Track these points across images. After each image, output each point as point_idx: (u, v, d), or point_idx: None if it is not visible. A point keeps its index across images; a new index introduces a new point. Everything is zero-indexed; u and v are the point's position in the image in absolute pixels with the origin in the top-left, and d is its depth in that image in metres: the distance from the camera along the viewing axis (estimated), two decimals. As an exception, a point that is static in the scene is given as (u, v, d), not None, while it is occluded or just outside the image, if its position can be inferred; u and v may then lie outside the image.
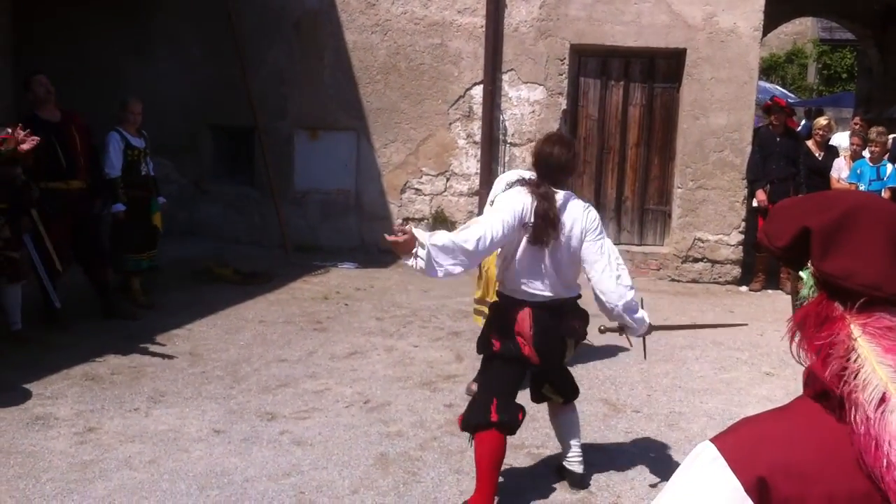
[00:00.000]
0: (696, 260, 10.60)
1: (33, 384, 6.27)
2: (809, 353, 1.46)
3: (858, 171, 10.18)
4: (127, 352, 7.11)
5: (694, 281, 10.57)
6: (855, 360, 1.39)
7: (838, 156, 10.85)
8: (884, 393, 1.36)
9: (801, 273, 1.53)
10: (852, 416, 1.38)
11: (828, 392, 1.42)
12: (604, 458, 5.43)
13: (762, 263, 10.43)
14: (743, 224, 10.53)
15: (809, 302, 1.50)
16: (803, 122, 18.49)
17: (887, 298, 1.40)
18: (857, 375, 1.39)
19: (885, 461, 1.33)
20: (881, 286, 1.40)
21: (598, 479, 5.14)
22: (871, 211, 1.47)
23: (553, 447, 5.56)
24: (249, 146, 11.40)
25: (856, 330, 1.41)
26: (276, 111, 11.23)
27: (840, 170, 10.55)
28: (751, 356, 7.68)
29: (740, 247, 10.55)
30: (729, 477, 1.41)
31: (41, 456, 5.16)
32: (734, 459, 1.42)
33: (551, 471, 5.23)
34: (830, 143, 11.13)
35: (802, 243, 1.49)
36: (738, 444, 1.45)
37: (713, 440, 1.48)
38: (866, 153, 10.35)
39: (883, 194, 9.80)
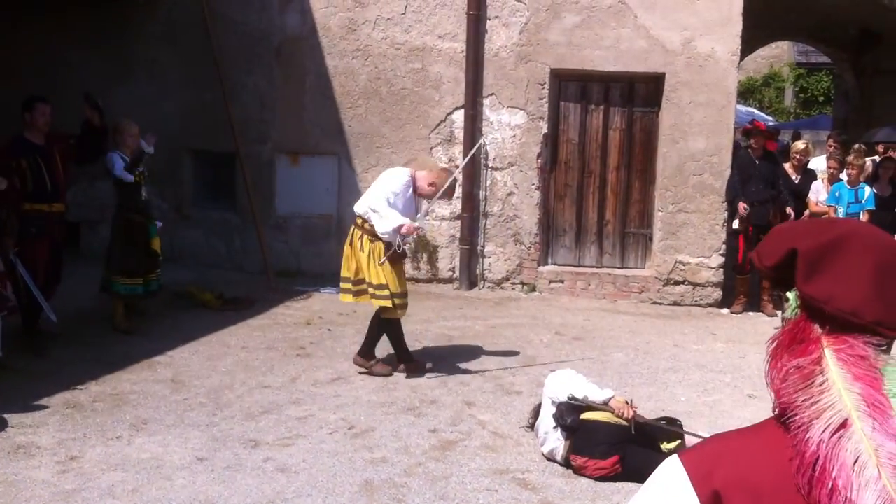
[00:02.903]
0: (677, 283, 10.66)
1: (14, 413, 6.20)
2: (777, 371, 1.47)
3: (837, 194, 10.27)
4: (108, 379, 7.07)
5: (675, 304, 10.61)
6: (821, 384, 1.40)
7: (815, 178, 10.95)
8: (845, 420, 1.36)
9: (788, 294, 1.54)
10: (803, 437, 1.38)
11: (786, 411, 1.44)
12: (588, 482, 5.43)
13: (743, 286, 10.49)
14: (723, 247, 10.60)
15: (788, 322, 1.51)
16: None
17: (864, 326, 1.41)
18: (819, 398, 1.39)
19: (829, 485, 1.34)
20: (859, 313, 1.41)
21: (582, 502, 5.15)
22: (862, 239, 1.47)
23: (538, 470, 5.56)
24: (230, 171, 11.39)
25: (829, 354, 1.42)
26: (257, 136, 11.24)
27: (818, 192, 10.65)
28: (733, 379, 7.71)
29: (721, 269, 10.62)
30: (688, 489, 1.44)
31: (23, 485, 5.11)
32: (694, 473, 1.45)
33: (537, 494, 5.22)
34: (808, 165, 11.24)
35: (790, 264, 1.49)
36: (699, 458, 1.49)
37: (679, 454, 1.52)
38: (843, 176, 10.46)
39: (861, 217, 9.91)
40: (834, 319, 1.43)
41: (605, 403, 5.76)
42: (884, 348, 1.44)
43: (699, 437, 5.72)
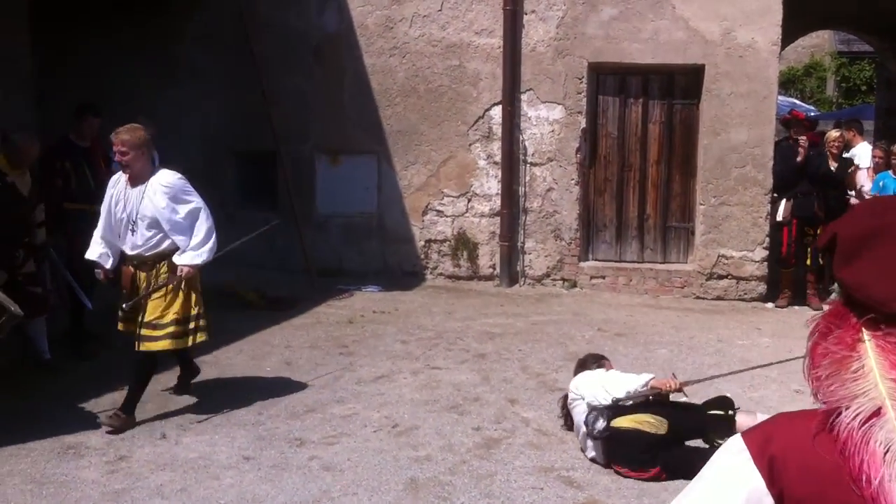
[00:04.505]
0: (720, 277, 10.55)
1: (64, 413, 6.31)
2: (814, 358, 1.43)
3: (881, 184, 10.12)
4: (155, 379, 7.13)
5: (719, 298, 10.50)
6: (855, 371, 1.37)
7: (852, 166, 10.75)
8: (879, 408, 1.33)
9: None
10: (838, 427, 1.35)
11: (820, 398, 1.41)
12: (634, 480, 5.40)
13: (787, 279, 10.35)
14: (767, 240, 10.47)
15: (829, 309, 1.48)
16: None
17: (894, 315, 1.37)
18: (852, 385, 1.36)
19: (864, 477, 1.31)
20: (888, 302, 1.37)
21: (628, 500, 5.11)
22: None
23: (583, 468, 5.54)
24: (272, 171, 11.47)
25: (868, 341, 1.39)
26: (297, 136, 11.30)
27: (862, 182, 10.49)
28: (780, 374, 7.60)
29: (765, 263, 10.49)
30: (747, 461, 1.42)
31: (73, 486, 5.19)
32: (753, 445, 1.43)
33: (583, 492, 5.20)
34: (854, 155, 11.06)
35: (833, 248, 1.47)
36: (759, 431, 1.46)
37: (742, 434, 1.48)
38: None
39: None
40: (868, 307, 1.39)
41: (648, 386, 5.67)
42: None
43: (752, 413, 5.69)
